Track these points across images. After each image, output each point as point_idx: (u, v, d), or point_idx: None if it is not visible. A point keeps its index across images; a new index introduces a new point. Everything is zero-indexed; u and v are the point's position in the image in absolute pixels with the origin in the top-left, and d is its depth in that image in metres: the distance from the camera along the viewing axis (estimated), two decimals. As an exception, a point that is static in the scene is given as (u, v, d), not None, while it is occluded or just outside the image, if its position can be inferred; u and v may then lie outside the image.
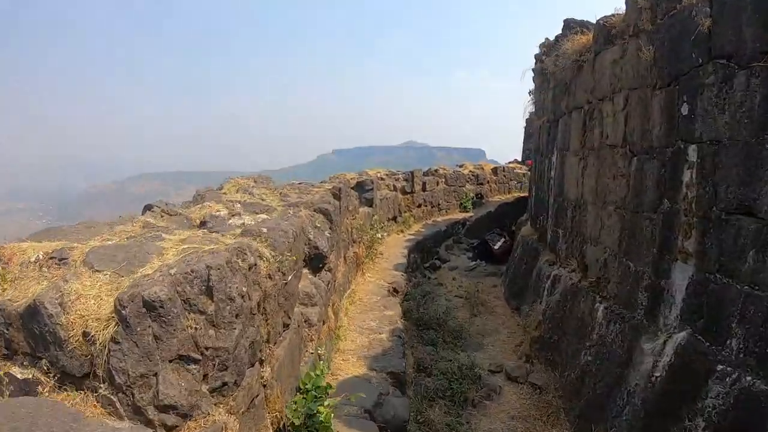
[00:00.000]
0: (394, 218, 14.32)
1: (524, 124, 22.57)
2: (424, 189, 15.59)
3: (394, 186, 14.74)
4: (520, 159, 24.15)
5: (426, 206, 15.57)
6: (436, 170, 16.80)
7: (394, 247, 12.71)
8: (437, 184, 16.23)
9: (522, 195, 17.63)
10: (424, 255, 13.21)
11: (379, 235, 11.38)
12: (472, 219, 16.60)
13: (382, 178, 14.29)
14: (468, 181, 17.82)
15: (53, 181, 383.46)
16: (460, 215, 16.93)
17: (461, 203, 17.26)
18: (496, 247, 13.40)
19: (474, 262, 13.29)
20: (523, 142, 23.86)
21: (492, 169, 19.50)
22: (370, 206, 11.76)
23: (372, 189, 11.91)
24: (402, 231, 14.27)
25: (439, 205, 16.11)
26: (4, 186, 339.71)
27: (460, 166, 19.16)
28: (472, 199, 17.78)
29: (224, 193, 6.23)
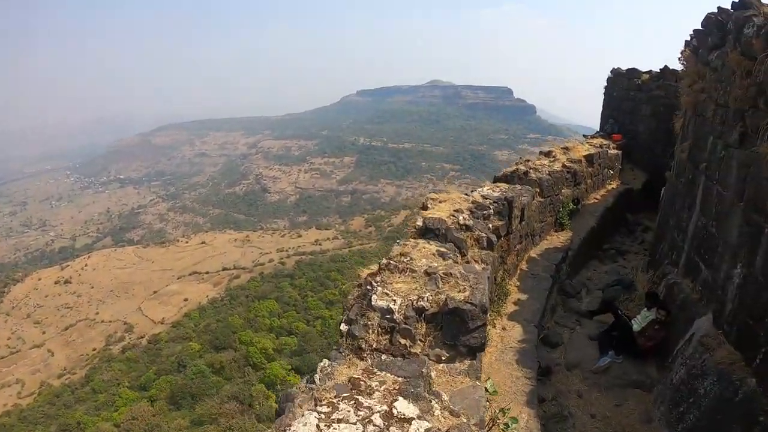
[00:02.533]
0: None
1: (605, 84, 20.85)
2: (522, 218, 9.81)
3: (487, 239, 7.17)
4: (600, 130, 20.64)
5: (522, 242, 9.92)
6: (525, 172, 11.16)
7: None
8: (533, 198, 10.47)
9: (616, 188, 16.01)
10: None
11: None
12: (573, 244, 11.52)
13: (464, 226, 7.33)
14: (565, 184, 12.40)
15: (80, 142, 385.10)
16: (556, 238, 11.76)
17: (557, 218, 12.02)
18: (638, 330, 8.18)
19: (605, 359, 8.09)
20: (604, 107, 21.02)
21: (586, 158, 13.99)
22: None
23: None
24: (499, 315, 8.44)
25: (533, 231, 10.69)
26: (33, 152, 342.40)
27: (548, 155, 13.68)
28: (569, 208, 12.58)
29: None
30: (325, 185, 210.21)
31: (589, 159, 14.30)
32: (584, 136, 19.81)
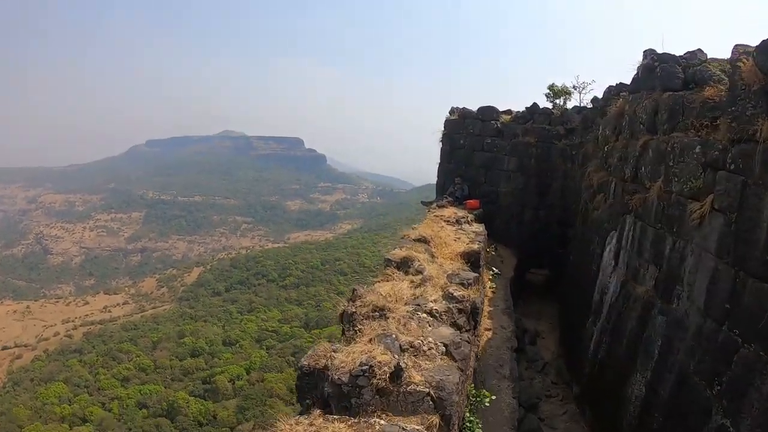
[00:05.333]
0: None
1: (443, 129, 17.68)
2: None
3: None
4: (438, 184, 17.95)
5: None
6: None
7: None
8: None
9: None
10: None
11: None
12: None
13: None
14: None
15: None
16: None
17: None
18: None
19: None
20: (443, 160, 17.75)
21: (464, 255, 8.70)
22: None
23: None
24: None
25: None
26: None
27: (402, 265, 7.56)
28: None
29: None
30: (113, 244, 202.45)
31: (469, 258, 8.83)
32: (422, 202, 16.64)
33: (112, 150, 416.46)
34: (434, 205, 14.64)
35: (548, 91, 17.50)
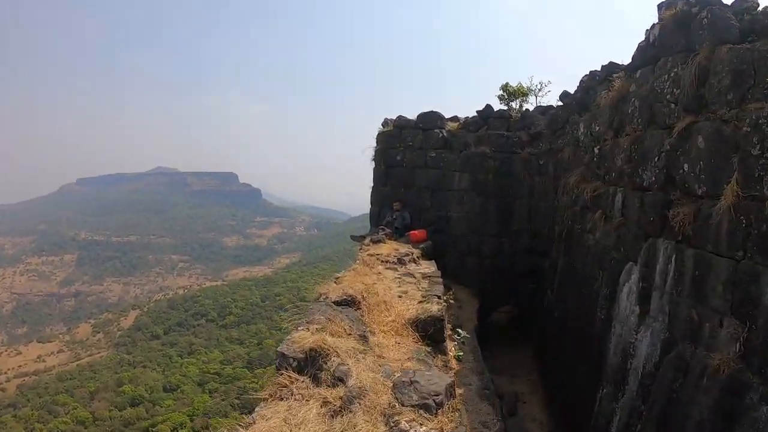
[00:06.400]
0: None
1: (375, 146, 14.50)
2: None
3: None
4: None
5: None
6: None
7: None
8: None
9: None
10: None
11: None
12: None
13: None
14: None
15: None
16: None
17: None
18: None
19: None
20: (376, 184, 14.50)
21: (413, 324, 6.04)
22: None
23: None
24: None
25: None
26: None
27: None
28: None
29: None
30: (45, 288, 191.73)
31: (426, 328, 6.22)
32: (352, 237, 13.69)
33: (41, 189, 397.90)
34: (368, 240, 11.34)
35: (501, 92, 14.67)
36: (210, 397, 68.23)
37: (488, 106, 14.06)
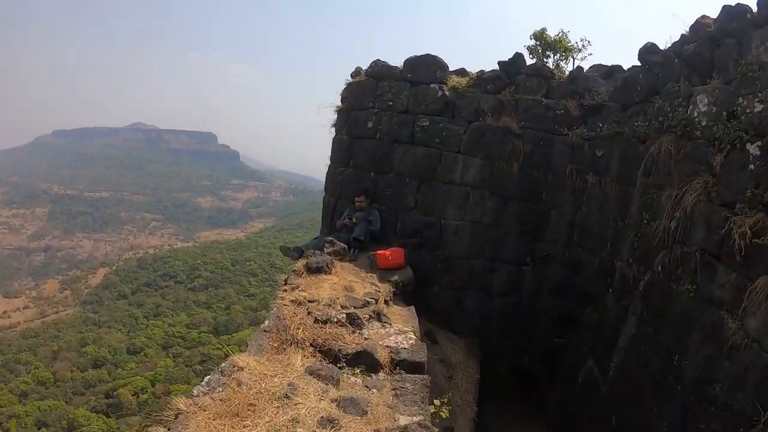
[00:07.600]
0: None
1: (337, 108, 9.53)
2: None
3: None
4: None
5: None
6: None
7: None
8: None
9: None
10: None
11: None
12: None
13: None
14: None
15: None
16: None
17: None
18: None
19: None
20: (333, 166, 9.61)
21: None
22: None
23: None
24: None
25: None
26: None
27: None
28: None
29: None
30: (15, 242, 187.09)
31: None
32: (282, 250, 8.80)
33: (16, 140, 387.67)
34: (300, 263, 6.52)
35: (534, 42, 9.70)
36: (173, 361, 67.62)
37: (518, 56, 8.75)
